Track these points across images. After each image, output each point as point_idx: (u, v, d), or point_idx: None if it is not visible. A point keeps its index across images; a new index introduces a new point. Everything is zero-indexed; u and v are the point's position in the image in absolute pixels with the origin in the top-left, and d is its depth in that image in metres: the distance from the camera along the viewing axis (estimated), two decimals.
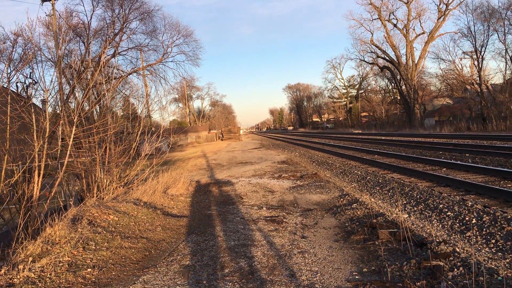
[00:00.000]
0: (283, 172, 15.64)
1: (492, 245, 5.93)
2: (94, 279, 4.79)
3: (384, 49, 57.50)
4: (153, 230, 7.17)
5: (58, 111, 8.64)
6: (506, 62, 39.77)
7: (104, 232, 6.41)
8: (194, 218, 8.41)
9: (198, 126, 72.01)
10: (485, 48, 41.81)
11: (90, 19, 35.01)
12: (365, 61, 67.29)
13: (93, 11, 33.42)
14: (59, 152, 7.69)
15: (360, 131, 61.91)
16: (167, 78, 57.46)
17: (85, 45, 33.33)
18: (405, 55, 54.72)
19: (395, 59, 55.57)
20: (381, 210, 8.10)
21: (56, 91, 8.49)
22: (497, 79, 48.32)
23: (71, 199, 7.93)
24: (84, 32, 33.44)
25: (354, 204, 8.74)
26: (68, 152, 7.47)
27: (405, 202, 9.21)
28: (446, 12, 49.94)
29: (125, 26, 36.37)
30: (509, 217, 6.66)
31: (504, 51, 39.26)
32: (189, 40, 44.95)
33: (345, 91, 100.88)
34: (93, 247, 5.74)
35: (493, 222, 6.65)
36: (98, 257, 5.44)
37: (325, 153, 23.81)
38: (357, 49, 77.29)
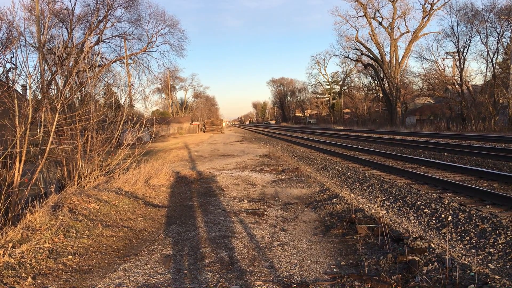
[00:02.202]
0: (265, 166, 15.73)
1: (466, 242, 6.12)
2: (75, 266, 4.80)
3: (369, 47, 57.95)
4: (134, 219, 7.18)
5: (39, 97, 8.55)
6: (487, 64, 40.44)
7: (85, 220, 6.41)
8: (176, 208, 8.44)
9: (180, 117, 71.64)
10: (468, 49, 42.44)
11: (74, 5, 34.37)
12: (350, 58, 67.62)
13: None
14: (40, 139, 7.63)
15: (342, 127, 62.39)
16: (151, 68, 57.27)
17: (68, 31, 32.83)
18: (389, 53, 55.22)
19: (379, 57, 56.03)
20: (360, 206, 8.24)
21: (39, 77, 8.40)
22: (478, 80, 49.17)
23: (52, 187, 7.87)
24: (68, 18, 32.89)
25: (334, 199, 8.87)
26: (50, 139, 7.42)
27: (384, 198, 9.38)
28: (431, 12, 50.47)
29: (110, 13, 35.94)
30: (483, 215, 6.85)
31: (486, 53, 39.93)
32: (174, 30, 44.73)
33: (329, 87, 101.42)
34: (74, 234, 5.73)
35: (468, 220, 6.84)
36: (79, 245, 5.45)
37: (307, 148, 23.98)
38: (342, 45, 77.95)
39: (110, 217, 6.97)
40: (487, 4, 44.98)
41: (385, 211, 8.32)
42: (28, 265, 4.60)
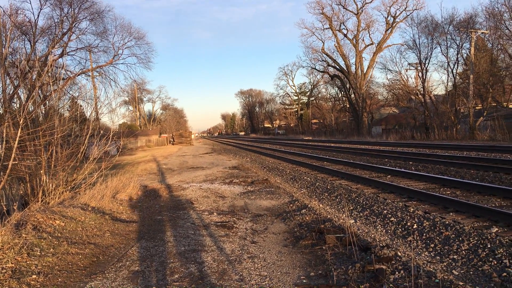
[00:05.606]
0: (234, 178, 15.71)
1: (431, 249, 6.26)
2: (39, 286, 4.67)
3: (335, 58, 59.05)
4: (101, 235, 7.04)
5: (0, 112, 8.32)
6: (447, 75, 41.74)
7: (50, 237, 6.24)
8: (144, 223, 8.32)
9: (148, 130, 70.87)
10: (429, 61, 43.62)
11: (37, 17, 33.87)
12: (316, 69, 68.78)
13: (41, 9, 32.24)
14: (2, 155, 7.42)
15: (311, 138, 62.99)
16: (118, 81, 56.59)
17: (31, 44, 32.09)
18: (354, 65, 56.36)
19: (345, 68, 57.09)
20: (329, 216, 8.33)
21: (0, 91, 8.19)
22: (440, 90, 50.66)
23: (14, 204, 7.64)
24: (30, 31, 32.17)
25: (303, 209, 8.93)
26: (13, 155, 7.22)
27: (352, 208, 9.51)
28: (394, 25, 51.95)
29: (74, 25, 35.31)
30: (447, 222, 7.04)
31: (446, 63, 41.21)
32: (141, 42, 44.22)
33: (297, 98, 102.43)
34: (38, 253, 5.58)
35: (432, 228, 7.01)
36: (44, 264, 5.30)
37: (276, 159, 24.09)
38: (309, 57, 79.08)
39: (76, 234, 6.82)
40: (446, 17, 46.36)
41: (353, 221, 8.43)
42: None
